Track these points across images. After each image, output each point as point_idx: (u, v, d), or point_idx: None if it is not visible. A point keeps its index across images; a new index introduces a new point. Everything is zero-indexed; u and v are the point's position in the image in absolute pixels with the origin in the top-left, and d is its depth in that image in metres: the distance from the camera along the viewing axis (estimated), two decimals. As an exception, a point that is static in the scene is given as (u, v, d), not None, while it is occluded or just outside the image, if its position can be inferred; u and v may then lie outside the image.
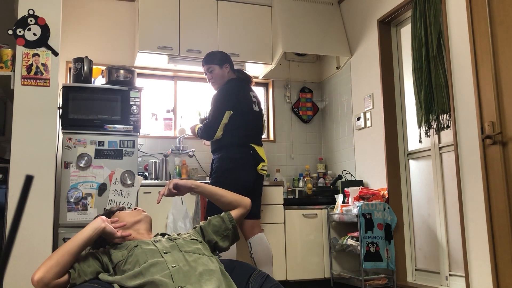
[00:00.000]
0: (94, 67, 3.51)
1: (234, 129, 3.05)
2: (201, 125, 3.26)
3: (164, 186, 1.96)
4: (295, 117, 4.70)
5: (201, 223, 1.88)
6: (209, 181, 3.09)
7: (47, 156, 2.88)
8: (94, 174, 3.24)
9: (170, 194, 1.92)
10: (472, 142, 2.81)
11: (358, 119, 4.02)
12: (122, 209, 1.90)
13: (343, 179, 4.11)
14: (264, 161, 3.12)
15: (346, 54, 4.24)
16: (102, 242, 1.75)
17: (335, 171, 4.41)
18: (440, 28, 3.12)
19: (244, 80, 3.27)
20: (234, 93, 3.14)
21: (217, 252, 2.79)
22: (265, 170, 3.14)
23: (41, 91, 2.91)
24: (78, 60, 3.41)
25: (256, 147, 3.11)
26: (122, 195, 3.26)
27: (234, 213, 1.90)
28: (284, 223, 3.70)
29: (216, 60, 3.21)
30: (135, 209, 1.90)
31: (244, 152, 3.05)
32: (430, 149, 3.38)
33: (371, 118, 3.85)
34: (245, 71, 3.43)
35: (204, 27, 4.07)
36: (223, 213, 1.90)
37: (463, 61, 2.89)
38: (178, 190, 1.93)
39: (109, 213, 1.86)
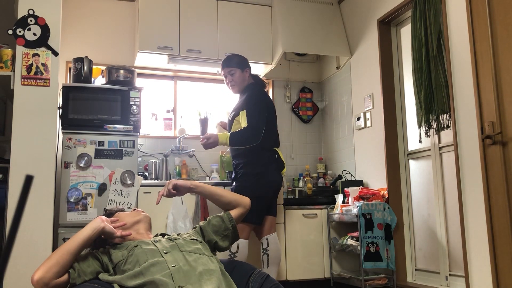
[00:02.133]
0: (94, 67, 3.51)
1: (265, 133, 3.09)
2: (230, 132, 3.12)
3: (164, 186, 1.96)
4: (295, 117, 4.70)
5: (201, 223, 1.88)
6: (234, 184, 3.13)
7: (47, 156, 2.88)
8: (94, 174, 3.24)
9: (169, 194, 1.92)
10: (472, 142, 2.81)
11: (358, 119, 4.02)
12: (122, 210, 1.90)
13: (343, 179, 4.11)
14: (284, 164, 3.22)
15: (346, 54, 4.23)
16: (102, 242, 1.75)
17: (335, 171, 4.41)
18: (440, 28, 3.12)
19: (262, 85, 3.31)
20: (266, 97, 3.23)
21: (232, 252, 2.83)
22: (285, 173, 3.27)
23: (41, 91, 2.91)
24: (78, 60, 3.41)
25: (278, 151, 3.19)
26: (122, 195, 3.26)
27: (234, 212, 1.90)
28: (284, 223, 3.70)
29: (238, 63, 3.24)
30: (134, 210, 1.90)
31: (270, 156, 3.11)
32: (430, 149, 3.38)
33: (371, 118, 3.85)
34: (260, 77, 3.47)
35: (204, 27, 4.07)
36: (222, 212, 1.91)
37: (463, 61, 2.89)
38: (178, 191, 1.93)
39: (109, 215, 1.86)
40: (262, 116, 3.07)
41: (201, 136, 3.22)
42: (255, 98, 3.14)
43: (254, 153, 3.07)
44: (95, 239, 1.69)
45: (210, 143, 3.10)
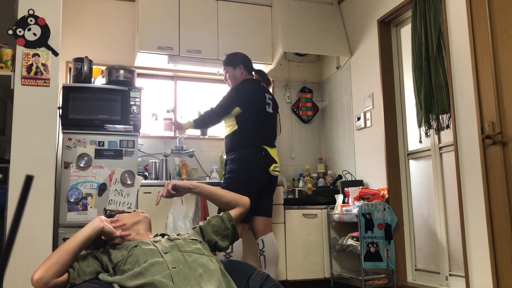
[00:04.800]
0: (94, 67, 3.51)
1: (245, 130, 3.10)
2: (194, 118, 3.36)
3: (163, 186, 1.96)
4: (295, 117, 4.70)
5: (201, 223, 1.88)
6: (222, 181, 3.14)
7: (47, 156, 2.88)
8: (94, 174, 3.24)
9: (168, 195, 1.92)
10: (472, 142, 2.81)
11: (358, 119, 4.02)
12: (123, 212, 1.90)
13: (343, 179, 4.11)
14: (276, 162, 3.16)
15: (346, 54, 4.23)
16: (103, 243, 1.75)
17: (335, 171, 4.41)
18: (440, 28, 3.12)
19: (260, 81, 3.32)
20: (246, 92, 3.19)
21: (226, 252, 2.83)
22: (278, 171, 3.19)
23: (41, 91, 2.91)
24: (78, 60, 3.41)
25: (268, 148, 3.14)
26: (122, 195, 3.26)
27: (233, 212, 1.90)
28: (284, 223, 3.70)
29: (231, 61, 3.30)
30: (134, 211, 1.91)
31: (255, 153, 3.08)
32: (430, 149, 3.38)
33: (371, 118, 3.85)
34: (265, 73, 3.47)
35: (204, 27, 4.07)
36: (222, 212, 1.91)
37: (463, 61, 2.89)
38: (177, 191, 1.93)
39: (109, 216, 1.86)
40: (225, 106, 3.15)
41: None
42: (229, 92, 3.23)
43: (238, 150, 3.07)
44: (95, 240, 1.70)
45: (176, 127, 3.60)
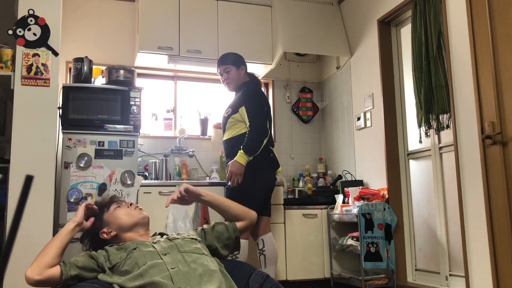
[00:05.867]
0: (94, 67, 3.51)
1: None
2: (242, 147, 2.98)
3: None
4: (295, 117, 4.70)
5: (205, 226, 1.88)
6: (229, 183, 3.02)
7: (47, 156, 2.88)
8: (94, 174, 3.24)
9: (180, 198, 1.89)
10: (472, 142, 2.81)
11: (358, 119, 4.02)
12: (114, 197, 1.87)
13: (343, 179, 4.11)
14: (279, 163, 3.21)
15: (346, 54, 4.23)
16: (101, 243, 1.76)
17: (335, 171, 4.41)
18: (440, 28, 3.12)
19: (257, 83, 3.30)
20: (263, 95, 3.20)
21: (234, 253, 2.82)
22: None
23: (41, 91, 2.91)
24: (78, 60, 3.41)
25: (273, 150, 3.17)
26: (122, 195, 3.26)
27: (239, 224, 1.88)
28: (284, 223, 3.70)
29: (233, 61, 3.23)
30: (131, 204, 1.86)
31: (265, 155, 3.07)
32: (430, 149, 3.38)
33: (371, 118, 3.85)
34: (255, 75, 3.44)
35: (204, 27, 4.07)
36: (228, 222, 1.89)
37: (463, 61, 2.89)
38: (188, 195, 1.90)
39: (102, 206, 1.84)
40: (262, 110, 3.06)
41: (229, 182, 3.01)
42: (253, 94, 3.13)
43: None
44: (92, 239, 1.74)
45: (236, 173, 2.93)
